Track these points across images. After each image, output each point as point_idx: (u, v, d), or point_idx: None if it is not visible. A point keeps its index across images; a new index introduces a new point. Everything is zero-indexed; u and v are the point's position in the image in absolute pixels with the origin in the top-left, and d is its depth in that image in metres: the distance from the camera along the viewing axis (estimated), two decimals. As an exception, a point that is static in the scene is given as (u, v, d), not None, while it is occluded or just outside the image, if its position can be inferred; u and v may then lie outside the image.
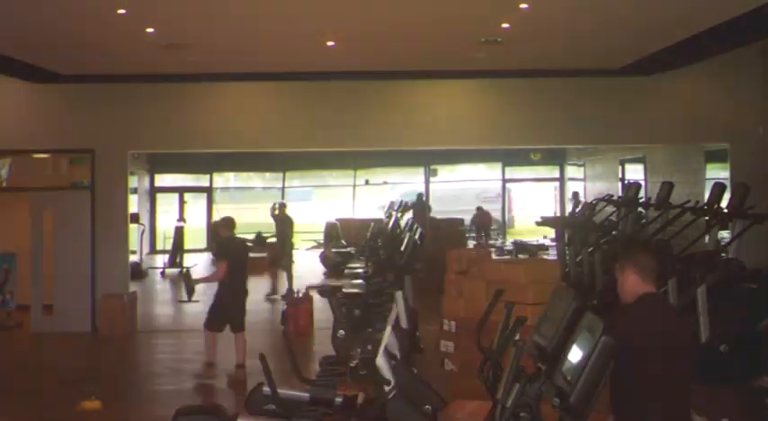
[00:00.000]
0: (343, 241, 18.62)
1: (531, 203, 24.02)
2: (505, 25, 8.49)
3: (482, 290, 6.95)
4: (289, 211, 15.23)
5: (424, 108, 11.86)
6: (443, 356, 7.31)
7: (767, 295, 8.20)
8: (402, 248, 9.31)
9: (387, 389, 4.63)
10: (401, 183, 24.37)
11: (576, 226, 12.28)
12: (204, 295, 9.18)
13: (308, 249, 21.32)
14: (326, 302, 9.36)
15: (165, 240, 19.95)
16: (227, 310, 8.70)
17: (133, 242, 15.43)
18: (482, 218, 21.94)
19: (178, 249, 18.69)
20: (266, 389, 4.79)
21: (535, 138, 12.70)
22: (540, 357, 4.13)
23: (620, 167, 17.64)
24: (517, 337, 4.22)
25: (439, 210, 23.14)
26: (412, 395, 4.72)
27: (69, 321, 11.11)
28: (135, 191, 18.69)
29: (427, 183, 23.64)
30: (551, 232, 18.97)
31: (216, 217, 21.90)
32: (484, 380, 4.67)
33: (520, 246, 18.76)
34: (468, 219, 23.05)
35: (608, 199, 13.60)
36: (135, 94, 11.59)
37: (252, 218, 23.89)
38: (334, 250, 17.75)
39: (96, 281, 11.42)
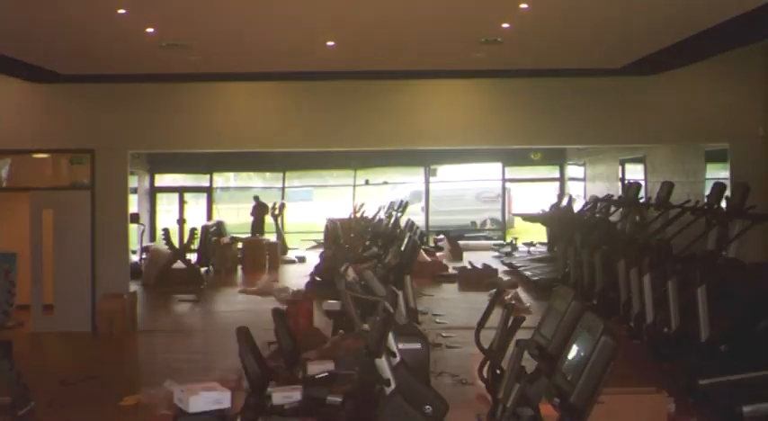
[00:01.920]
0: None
1: (531, 203, 24.00)
2: (505, 25, 8.48)
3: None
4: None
5: (424, 108, 11.85)
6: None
7: (767, 295, 8.20)
8: (402, 248, 9.32)
9: (387, 389, 4.64)
10: (401, 183, 24.36)
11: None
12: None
13: (308, 249, 21.32)
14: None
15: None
16: None
17: (133, 242, 15.42)
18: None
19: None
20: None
21: (535, 138, 12.67)
22: (540, 357, 4.14)
23: (620, 167, 17.63)
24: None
25: (439, 210, 23.17)
26: (412, 395, 4.72)
27: (69, 321, 11.10)
28: (135, 191, 18.65)
29: (427, 183, 23.64)
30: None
31: (216, 216, 21.91)
32: (484, 380, 4.68)
33: None
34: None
35: (608, 199, 13.63)
36: (135, 93, 11.59)
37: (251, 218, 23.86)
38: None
39: (96, 281, 11.41)
